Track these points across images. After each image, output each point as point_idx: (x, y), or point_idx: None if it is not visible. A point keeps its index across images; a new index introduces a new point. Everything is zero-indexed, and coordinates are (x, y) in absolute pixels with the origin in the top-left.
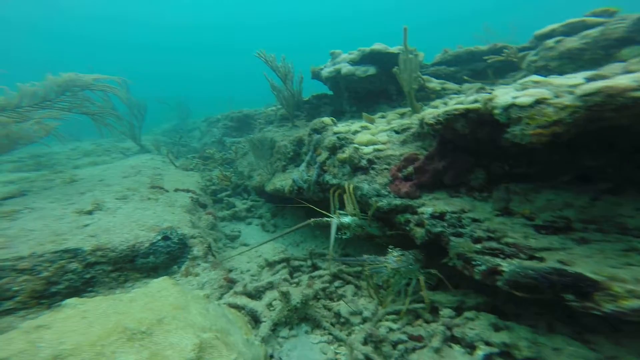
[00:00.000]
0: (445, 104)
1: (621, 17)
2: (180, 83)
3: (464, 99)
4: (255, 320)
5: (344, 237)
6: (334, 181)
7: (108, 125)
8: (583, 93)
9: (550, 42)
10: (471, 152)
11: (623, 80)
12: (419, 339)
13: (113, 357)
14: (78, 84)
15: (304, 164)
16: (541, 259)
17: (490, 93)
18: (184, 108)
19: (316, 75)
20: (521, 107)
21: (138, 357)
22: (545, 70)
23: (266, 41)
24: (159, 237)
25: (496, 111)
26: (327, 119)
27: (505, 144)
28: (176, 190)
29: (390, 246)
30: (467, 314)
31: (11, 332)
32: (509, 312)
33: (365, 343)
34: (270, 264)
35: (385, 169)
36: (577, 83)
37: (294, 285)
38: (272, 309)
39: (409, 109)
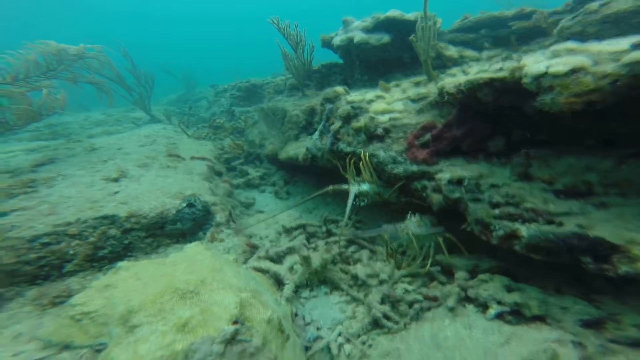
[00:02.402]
0: (464, 72)
1: None
2: (186, 53)
3: (487, 67)
4: (278, 282)
5: (361, 204)
6: (349, 149)
7: (115, 95)
8: (632, 60)
9: (594, 5)
10: (490, 119)
11: None
12: (434, 299)
13: (172, 312)
14: (73, 54)
15: (317, 133)
16: (560, 224)
17: (518, 62)
18: (190, 78)
19: (327, 44)
20: (555, 75)
21: (192, 312)
22: (580, 36)
23: (274, 9)
24: (184, 205)
25: (526, 80)
26: (339, 88)
27: (529, 111)
28: (192, 158)
29: (410, 212)
30: (482, 276)
31: (88, 290)
32: (520, 275)
33: (382, 303)
34: (288, 230)
35: (401, 137)
36: (621, 49)
37: (311, 250)
38: (293, 272)
39: (425, 77)
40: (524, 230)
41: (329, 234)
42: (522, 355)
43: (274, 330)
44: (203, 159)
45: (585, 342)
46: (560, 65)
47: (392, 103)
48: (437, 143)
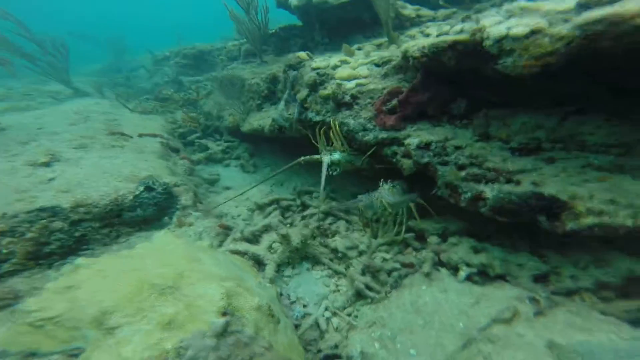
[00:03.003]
0: (423, 32)
1: None
2: (107, 15)
3: (448, 28)
4: (258, 263)
5: (334, 173)
6: (318, 118)
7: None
8: (584, 22)
9: None
10: (453, 82)
11: (632, 6)
12: (410, 265)
13: (153, 309)
14: None
15: (282, 102)
16: (518, 182)
17: (477, 22)
18: (117, 44)
19: (283, 4)
20: (515, 38)
21: (176, 308)
22: None
23: None
24: (142, 188)
25: (487, 42)
26: (302, 54)
27: (489, 73)
28: (140, 135)
29: (382, 180)
30: (451, 239)
31: (42, 293)
32: (481, 234)
33: (363, 274)
34: (261, 207)
35: (369, 103)
36: (568, 8)
37: (288, 225)
38: (272, 251)
39: (386, 39)
40: (488, 191)
41: (304, 206)
42: (490, 314)
43: (265, 316)
44: (154, 135)
45: (538, 297)
46: (519, 27)
47: (356, 68)
48: (404, 108)
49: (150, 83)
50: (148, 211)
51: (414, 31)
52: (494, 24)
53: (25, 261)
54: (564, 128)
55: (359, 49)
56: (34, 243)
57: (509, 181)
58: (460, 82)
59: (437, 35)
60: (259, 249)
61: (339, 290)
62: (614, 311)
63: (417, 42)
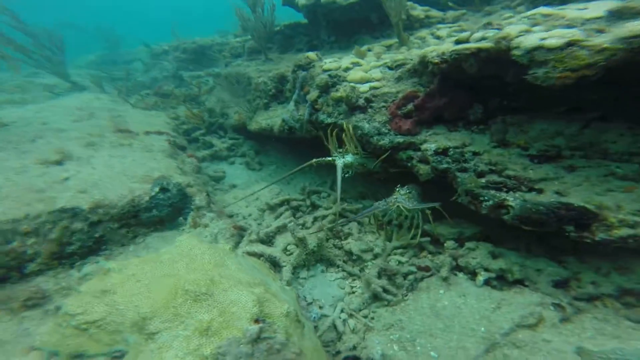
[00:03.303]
0: (433, 34)
1: None
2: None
3: (467, 35)
4: (274, 264)
5: (345, 175)
6: (329, 120)
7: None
8: (631, 34)
9: None
10: (469, 88)
11: None
12: (426, 269)
13: (190, 315)
14: None
15: (291, 103)
16: (540, 191)
17: (499, 30)
18: (110, 34)
19: (289, 2)
20: (550, 49)
21: (211, 314)
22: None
23: None
24: (157, 189)
25: (517, 52)
26: (312, 54)
27: (509, 80)
28: (147, 133)
29: (399, 185)
30: (468, 244)
31: (80, 296)
32: (494, 238)
33: (379, 277)
34: (272, 207)
35: (383, 107)
36: (595, 16)
37: (300, 226)
38: (288, 253)
39: (395, 40)
40: (510, 200)
41: (314, 206)
42: (513, 319)
43: (293, 321)
44: (160, 133)
45: (563, 304)
46: (554, 38)
47: (369, 70)
48: (420, 113)
49: (148, 77)
50: (164, 212)
51: (423, 32)
52: (520, 33)
53: (50, 261)
54: (584, 135)
55: (369, 49)
56: (58, 243)
57: (530, 190)
58: (476, 88)
59: (455, 41)
60: (274, 251)
61: (354, 292)
62: (638, 317)
63: (435, 47)
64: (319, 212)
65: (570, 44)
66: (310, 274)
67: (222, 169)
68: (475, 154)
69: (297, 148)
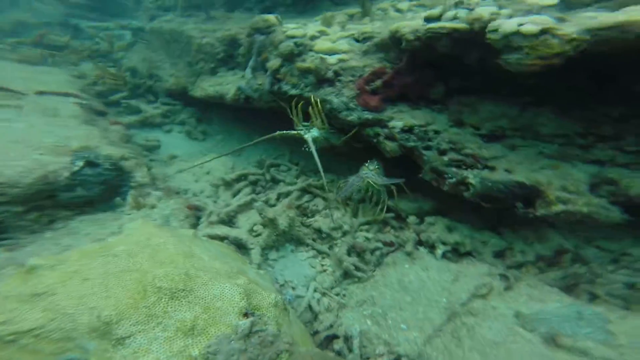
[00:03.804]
0: (394, 6)
1: None
2: None
3: (437, 12)
4: (240, 247)
5: (307, 149)
6: (294, 91)
7: None
8: (598, 26)
9: None
10: (434, 68)
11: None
12: (391, 244)
13: (168, 315)
14: None
15: (248, 70)
16: (493, 168)
17: (470, 9)
18: None
19: None
20: (525, 35)
21: (193, 312)
22: None
23: None
24: (81, 164)
25: (493, 36)
26: (271, 17)
27: (469, 62)
28: (40, 93)
29: (368, 161)
30: (428, 219)
31: (6, 303)
32: (444, 210)
33: (349, 254)
34: (228, 183)
35: (350, 81)
36: (550, 4)
37: (262, 204)
38: (255, 234)
39: (358, 10)
40: (471, 177)
41: (274, 181)
42: (469, 290)
43: (281, 310)
44: (65, 94)
45: (506, 274)
46: (530, 24)
47: (336, 41)
48: (388, 90)
49: (7, 22)
50: (94, 191)
51: (385, 4)
52: (491, 15)
53: None
54: (523, 118)
55: (332, 17)
56: None
57: (485, 167)
58: (440, 68)
59: (425, 18)
60: (240, 233)
61: (325, 271)
62: (546, 279)
63: (407, 23)
64: (283, 188)
65: (544, 31)
66: (279, 254)
67: (155, 137)
68: (436, 132)
69: (246, 118)
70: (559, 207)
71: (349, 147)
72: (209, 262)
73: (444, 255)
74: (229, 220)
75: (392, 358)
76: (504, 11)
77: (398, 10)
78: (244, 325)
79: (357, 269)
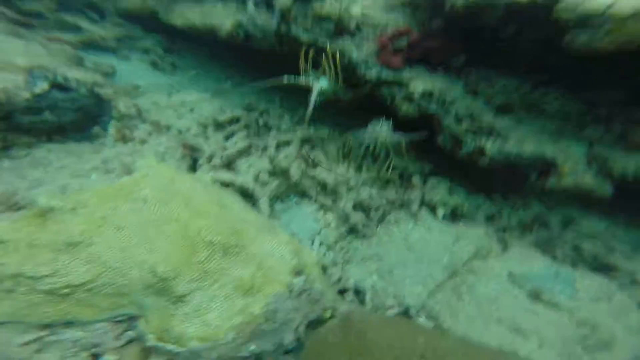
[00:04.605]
0: None
1: None
2: None
3: None
4: (245, 196)
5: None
6: (307, 37)
7: None
8: None
9: None
10: (465, 36)
11: None
12: (393, 202)
13: (224, 273)
14: None
15: (251, 4)
16: (506, 138)
17: None
18: None
19: None
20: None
21: (249, 270)
22: None
23: None
24: (45, 85)
25: (566, 15)
26: None
27: (503, 36)
28: None
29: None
30: (432, 180)
31: (25, 250)
32: (440, 172)
33: (354, 209)
34: (220, 124)
35: (371, 36)
36: None
37: (261, 151)
38: (259, 182)
39: None
40: (489, 146)
41: (266, 127)
42: (470, 251)
43: (320, 269)
44: None
45: (505, 237)
46: (622, 2)
47: None
48: (411, 51)
49: None
50: (66, 117)
51: None
52: None
53: None
54: (534, 95)
55: None
56: None
57: (499, 137)
58: (468, 37)
59: None
60: (246, 180)
61: (329, 225)
62: (525, 243)
63: None
64: (282, 136)
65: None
66: (285, 206)
67: (108, 63)
68: (453, 99)
69: (224, 55)
70: (570, 180)
71: (353, 103)
72: (242, 213)
73: (444, 217)
74: (228, 165)
75: (402, 309)
76: None
77: None
78: (298, 284)
79: (364, 225)
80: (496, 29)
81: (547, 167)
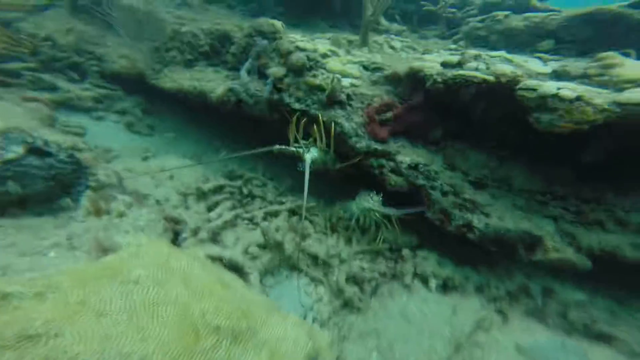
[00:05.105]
0: (388, 43)
1: (555, 11)
2: None
3: (454, 59)
4: (234, 270)
5: (301, 169)
6: (298, 106)
7: None
8: (627, 101)
9: (500, 15)
10: (440, 111)
11: None
12: (384, 274)
13: None
14: None
15: (243, 72)
16: (488, 215)
17: (488, 66)
18: None
19: None
20: (562, 99)
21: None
22: (483, 41)
23: None
24: (19, 150)
25: (527, 94)
26: (277, 23)
27: (478, 113)
28: None
29: (370, 190)
30: (421, 253)
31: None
32: (425, 245)
33: (347, 282)
34: (203, 193)
35: (359, 107)
36: (545, 72)
37: (247, 222)
38: (249, 256)
39: (356, 37)
40: (475, 221)
41: (251, 196)
42: (470, 323)
43: (330, 350)
44: None
45: (503, 309)
46: (568, 90)
47: (346, 64)
48: (396, 124)
49: None
50: (34, 187)
51: (380, 38)
52: (512, 72)
53: None
54: (501, 170)
55: (328, 39)
56: None
57: (482, 213)
58: (444, 112)
59: (442, 63)
60: (235, 254)
61: (321, 300)
62: (518, 313)
63: (429, 64)
64: (270, 207)
65: (578, 98)
66: (275, 280)
67: (78, 123)
68: (436, 173)
69: (204, 120)
70: (555, 255)
71: (343, 174)
72: (246, 292)
73: (436, 288)
74: (213, 239)
75: None
76: (565, 84)
77: (392, 47)
78: None
79: (359, 299)
80: (467, 106)
81: (534, 241)
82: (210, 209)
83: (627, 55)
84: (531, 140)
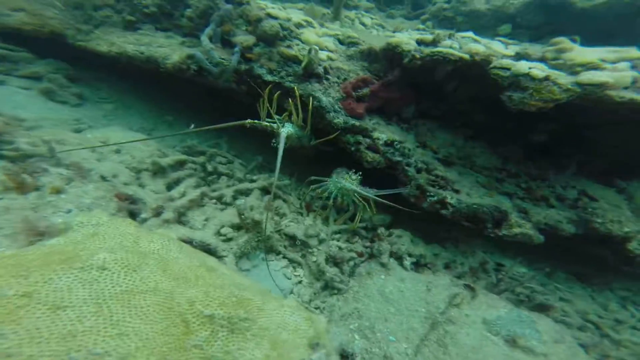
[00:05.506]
0: (359, 19)
1: None
2: None
3: (430, 37)
4: (206, 252)
5: (275, 145)
6: (271, 78)
7: None
8: (589, 82)
9: None
10: (415, 88)
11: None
12: (361, 254)
13: (230, 356)
14: None
15: (205, 38)
16: (458, 191)
17: (461, 45)
18: None
19: None
20: (533, 78)
21: (262, 351)
22: (449, 22)
23: None
24: None
25: (501, 73)
26: None
27: (446, 90)
28: None
29: (345, 168)
30: (396, 232)
31: None
32: (398, 224)
33: (326, 264)
34: (162, 169)
35: (336, 82)
36: (509, 54)
37: (215, 201)
38: (223, 238)
39: (328, 11)
40: (449, 198)
41: (217, 174)
42: (443, 299)
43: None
44: None
45: (471, 285)
46: (538, 69)
47: (322, 37)
48: (372, 100)
49: None
50: None
51: (352, 14)
52: (484, 50)
53: None
54: (465, 148)
55: (301, 9)
56: None
57: (453, 190)
58: (418, 90)
59: (417, 40)
60: (206, 236)
61: (301, 282)
62: (480, 287)
63: (406, 40)
64: (241, 185)
65: (547, 78)
66: (252, 263)
67: None
68: (409, 150)
69: (152, 91)
70: (518, 230)
71: (317, 151)
72: (235, 276)
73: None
74: (178, 220)
75: None
76: (535, 64)
77: (363, 24)
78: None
79: (339, 280)
80: (440, 84)
81: (502, 217)
82: (170, 187)
83: (574, 41)
84: (493, 120)
